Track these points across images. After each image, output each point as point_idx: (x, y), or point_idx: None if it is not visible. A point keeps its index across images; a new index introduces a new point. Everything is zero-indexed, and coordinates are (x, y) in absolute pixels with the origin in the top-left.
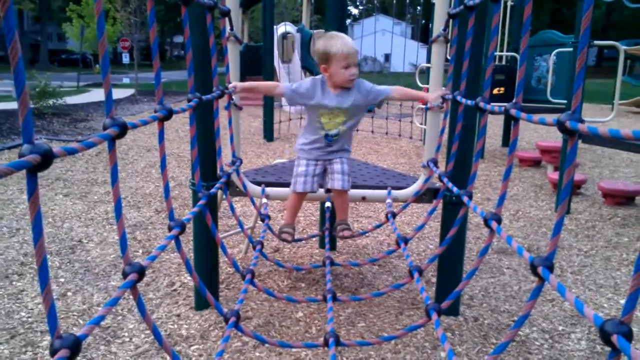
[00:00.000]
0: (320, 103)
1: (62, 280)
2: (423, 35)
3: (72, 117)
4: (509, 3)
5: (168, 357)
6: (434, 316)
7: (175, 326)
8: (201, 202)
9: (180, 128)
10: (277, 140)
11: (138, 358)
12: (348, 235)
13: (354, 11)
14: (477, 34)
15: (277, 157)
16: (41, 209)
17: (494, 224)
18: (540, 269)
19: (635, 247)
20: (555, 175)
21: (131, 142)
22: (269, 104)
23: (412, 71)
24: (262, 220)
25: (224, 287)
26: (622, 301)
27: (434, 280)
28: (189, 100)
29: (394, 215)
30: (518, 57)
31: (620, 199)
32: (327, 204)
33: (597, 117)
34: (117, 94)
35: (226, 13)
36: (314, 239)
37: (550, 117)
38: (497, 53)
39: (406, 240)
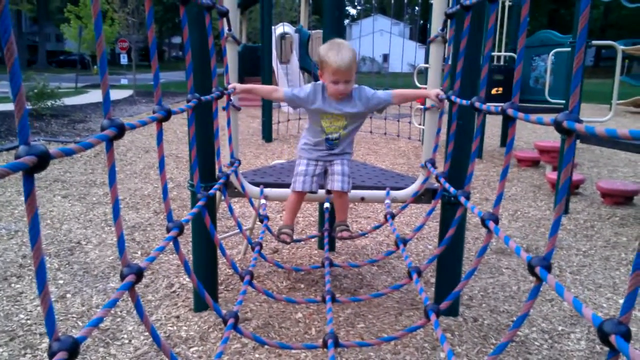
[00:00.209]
0: (320, 108)
1: (60, 282)
2: (421, 35)
3: (71, 118)
4: (507, 3)
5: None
6: (433, 317)
7: (175, 328)
8: (200, 203)
9: (179, 129)
10: (275, 141)
11: None
12: (347, 236)
13: (352, 11)
14: (473, 33)
15: (275, 157)
16: (39, 211)
17: (491, 224)
18: (538, 269)
19: (633, 247)
20: (553, 175)
21: (129, 143)
22: (267, 104)
23: (411, 71)
24: (261, 221)
25: (222, 289)
26: (621, 301)
27: (432, 280)
28: (188, 101)
29: (393, 216)
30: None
31: (618, 198)
32: (326, 204)
33: (595, 117)
34: (115, 95)
35: (224, 13)
36: (312, 239)
37: (548, 117)
38: (495, 53)
39: (405, 242)
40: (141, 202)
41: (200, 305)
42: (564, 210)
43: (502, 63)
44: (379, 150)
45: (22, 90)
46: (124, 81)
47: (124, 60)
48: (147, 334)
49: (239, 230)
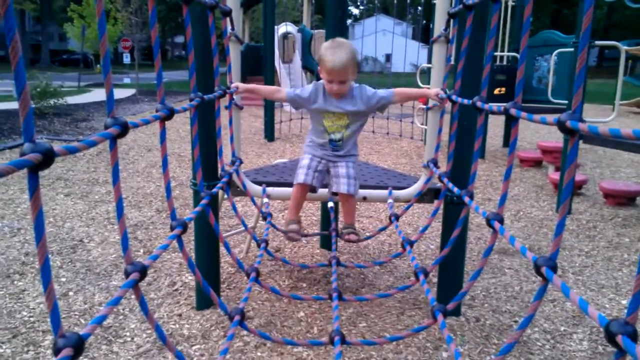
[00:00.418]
0: (321, 107)
1: (63, 279)
2: (424, 35)
3: (73, 117)
4: (510, 3)
5: (170, 357)
6: (440, 317)
7: (177, 326)
8: (203, 201)
9: (181, 128)
10: (277, 140)
11: (140, 358)
12: (354, 239)
13: (355, 11)
14: (476, 33)
15: (278, 157)
16: (42, 209)
17: (496, 224)
18: (543, 269)
19: (636, 248)
20: (556, 176)
21: (132, 142)
22: (270, 104)
23: (413, 71)
24: (264, 219)
25: (225, 287)
26: (624, 301)
27: (435, 280)
28: (191, 100)
29: (397, 217)
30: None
31: (621, 199)
32: (330, 204)
33: (598, 118)
34: (118, 94)
35: (227, 13)
36: (315, 238)
37: (551, 117)
38: (498, 53)
39: (411, 243)
40: (143, 200)
41: (202, 304)
42: (567, 210)
43: (504, 63)
44: (381, 150)
45: (27, 89)
46: (126, 80)
47: (126, 59)
48: (149, 331)
49: (242, 229)
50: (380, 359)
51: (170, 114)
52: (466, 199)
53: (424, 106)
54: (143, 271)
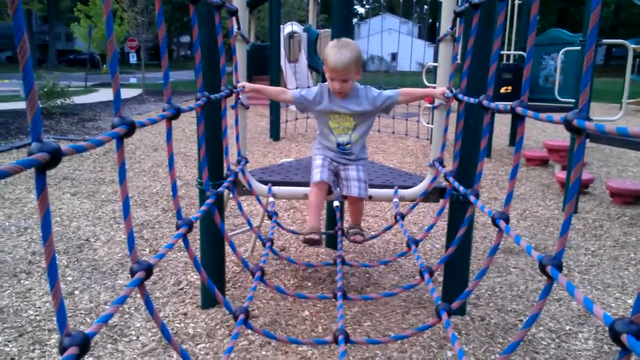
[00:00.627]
0: (327, 108)
1: (69, 278)
2: (430, 34)
3: (80, 117)
4: (517, 1)
5: (175, 356)
6: (445, 316)
7: (182, 325)
8: (209, 200)
9: (187, 127)
10: (283, 140)
11: (145, 356)
12: (360, 240)
13: (361, 10)
14: (482, 31)
15: (283, 156)
16: (50, 208)
17: (502, 223)
18: (549, 268)
19: None
20: (562, 175)
21: (138, 142)
22: (275, 103)
23: (419, 70)
24: (270, 218)
25: (230, 286)
26: (630, 301)
27: (440, 279)
28: (197, 100)
29: (403, 216)
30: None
31: (628, 198)
32: (336, 202)
33: (605, 116)
34: (125, 93)
35: (234, 12)
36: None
37: (557, 116)
38: (505, 52)
39: (417, 242)
40: (149, 199)
41: (207, 302)
42: (573, 209)
43: (511, 62)
44: (387, 149)
45: (35, 88)
46: (133, 80)
47: (133, 59)
48: (154, 330)
49: (247, 228)
50: (384, 358)
51: (177, 113)
52: (472, 198)
53: (430, 105)
54: (149, 270)
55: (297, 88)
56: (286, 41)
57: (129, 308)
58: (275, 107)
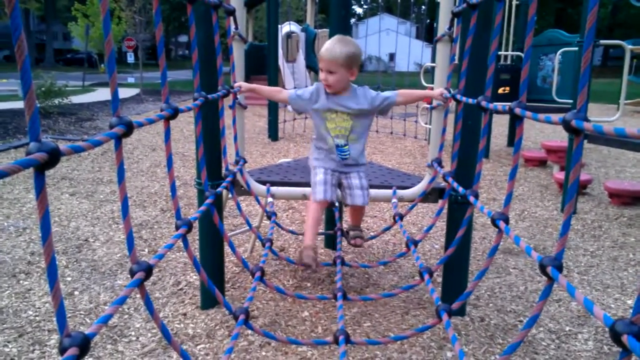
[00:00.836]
0: (324, 106)
1: (68, 279)
2: (428, 34)
3: (78, 117)
4: (514, 2)
5: (175, 356)
6: (445, 317)
7: (182, 325)
8: (208, 201)
9: (185, 127)
10: (281, 140)
11: (145, 357)
12: (360, 244)
13: (359, 10)
14: (480, 32)
15: (282, 156)
16: (49, 208)
17: (502, 224)
18: (549, 269)
19: None
20: (561, 175)
21: (136, 142)
22: (273, 103)
23: (417, 70)
24: (269, 218)
25: (229, 287)
26: (630, 301)
27: (439, 280)
28: (195, 99)
29: (402, 217)
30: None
31: (626, 199)
32: (335, 203)
33: (603, 117)
34: (122, 93)
35: (231, 12)
36: (319, 238)
37: (556, 116)
38: (502, 52)
39: (416, 243)
40: (148, 200)
41: (207, 303)
42: (573, 210)
43: (509, 62)
44: (385, 150)
45: (33, 88)
46: (130, 79)
47: (130, 58)
48: (154, 330)
49: (246, 228)
50: (384, 359)
51: (175, 113)
52: (471, 199)
53: (428, 105)
54: (148, 270)
55: (294, 88)
56: (284, 41)
57: (128, 308)
58: (273, 107)
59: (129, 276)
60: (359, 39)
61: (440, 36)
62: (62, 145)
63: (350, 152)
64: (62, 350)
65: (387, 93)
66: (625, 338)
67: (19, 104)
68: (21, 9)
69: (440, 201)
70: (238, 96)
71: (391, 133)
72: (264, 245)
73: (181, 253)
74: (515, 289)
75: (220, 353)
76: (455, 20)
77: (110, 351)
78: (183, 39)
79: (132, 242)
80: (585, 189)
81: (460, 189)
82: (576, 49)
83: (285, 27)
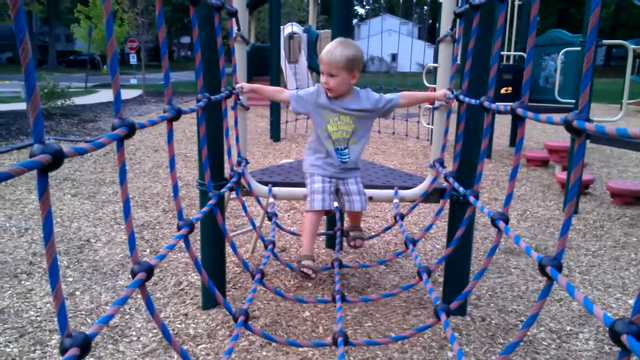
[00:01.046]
0: (325, 107)
1: (70, 279)
2: (430, 35)
3: (80, 118)
4: (517, 2)
5: (176, 356)
6: (443, 317)
7: (183, 325)
8: (211, 201)
9: (188, 128)
10: (283, 141)
11: (146, 357)
12: (360, 244)
13: (361, 11)
14: (482, 32)
15: (283, 157)
16: (51, 209)
17: (501, 224)
18: (548, 269)
19: None
20: (563, 175)
21: (139, 143)
22: (275, 103)
23: (419, 71)
24: (270, 219)
25: (230, 287)
26: (631, 301)
27: (440, 280)
28: (198, 101)
29: (402, 217)
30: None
31: (628, 198)
32: (335, 204)
33: (605, 117)
34: (125, 94)
35: (233, 13)
36: (320, 238)
37: (558, 117)
38: (505, 52)
39: (414, 242)
40: (150, 200)
41: (208, 303)
42: (574, 210)
43: (511, 62)
44: (387, 150)
45: (37, 90)
46: (133, 81)
47: (133, 60)
48: (155, 330)
49: (248, 228)
50: (385, 358)
51: (178, 114)
52: (471, 199)
53: (430, 106)
54: (149, 271)
55: (297, 89)
56: (286, 42)
57: (129, 309)
58: (275, 108)
59: (130, 277)
60: (361, 40)
61: (442, 37)
62: (65, 147)
63: (350, 156)
64: (63, 351)
65: (389, 96)
66: (624, 338)
67: (21, 106)
68: (24, 11)
69: (441, 201)
70: (240, 97)
71: (393, 133)
72: (266, 248)
73: (182, 253)
74: (516, 288)
75: (222, 353)
76: (458, 20)
77: (111, 351)
78: (186, 40)
79: (134, 242)
80: (588, 188)
81: (461, 189)
82: (579, 49)
83: (288, 28)
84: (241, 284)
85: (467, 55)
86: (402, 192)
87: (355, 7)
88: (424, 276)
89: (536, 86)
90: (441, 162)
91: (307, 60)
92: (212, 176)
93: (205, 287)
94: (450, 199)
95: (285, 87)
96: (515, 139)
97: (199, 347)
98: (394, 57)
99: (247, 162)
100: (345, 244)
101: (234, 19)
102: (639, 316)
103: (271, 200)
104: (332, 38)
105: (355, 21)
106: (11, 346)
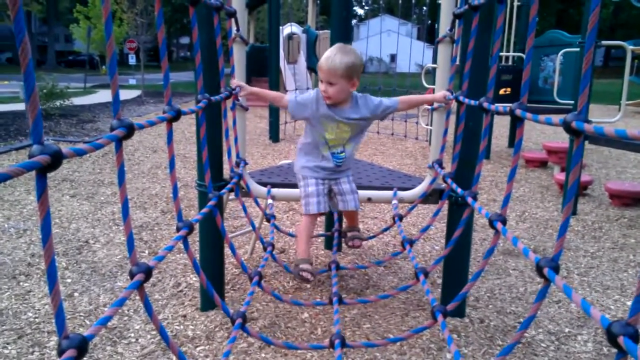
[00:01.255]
0: (324, 114)
1: (68, 280)
2: (429, 35)
3: (79, 118)
4: (516, 3)
5: (174, 358)
6: (440, 318)
7: (181, 327)
8: (211, 203)
9: (187, 129)
10: (282, 141)
11: (144, 359)
12: (358, 245)
13: (360, 11)
14: (481, 33)
15: (282, 158)
16: (50, 210)
17: (499, 225)
18: (546, 270)
19: None
20: (561, 176)
21: (137, 143)
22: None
23: (418, 72)
24: (268, 220)
25: (229, 288)
26: (629, 303)
27: (439, 281)
28: (198, 101)
29: (401, 218)
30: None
31: (627, 200)
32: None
33: (604, 118)
34: (124, 95)
35: (232, 14)
36: (319, 239)
37: (556, 118)
38: (504, 53)
39: (411, 242)
40: (149, 201)
41: (206, 305)
42: (572, 211)
43: (510, 63)
44: (386, 151)
45: (36, 90)
46: (132, 81)
47: (132, 60)
48: (154, 332)
49: (247, 230)
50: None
51: (177, 115)
52: (469, 200)
53: (429, 107)
54: (148, 272)
55: (296, 89)
56: (285, 42)
57: (128, 310)
58: (274, 109)
59: (128, 278)
60: (360, 40)
61: (441, 37)
62: (64, 148)
63: (345, 157)
64: (60, 352)
65: (389, 101)
66: (621, 339)
67: (20, 106)
68: (24, 12)
69: (439, 202)
70: (239, 98)
71: (392, 134)
72: (265, 250)
73: (181, 255)
74: (515, 290)
75: (220, 355)
76: (457, 21)
77: (109, 353)
78: (185, 40)
79: (133, 243)
80: (586, 189)
81: (459, 190)
82: (577, 49)
83: (287, 29)
84: (240, 285)
85: (467, 56)
86: (401, 193)
87: (355, 8)
88: (421, 277)
89: (535, 87)
90: (440, 163)
91: (306, 60)
92: (212, 177)
93: (203, 289)
94: (449, 200)
95: (284, 87)
96: (514, 140)
97: (198, 348)
98: (393, 57)
99: (246, 163)
100: (344, 244)
101: (233, 20)
102: (635, 318)
103: (269, 201)
104: (332, 38)
105: (354, 22)
106: (9, 348)
